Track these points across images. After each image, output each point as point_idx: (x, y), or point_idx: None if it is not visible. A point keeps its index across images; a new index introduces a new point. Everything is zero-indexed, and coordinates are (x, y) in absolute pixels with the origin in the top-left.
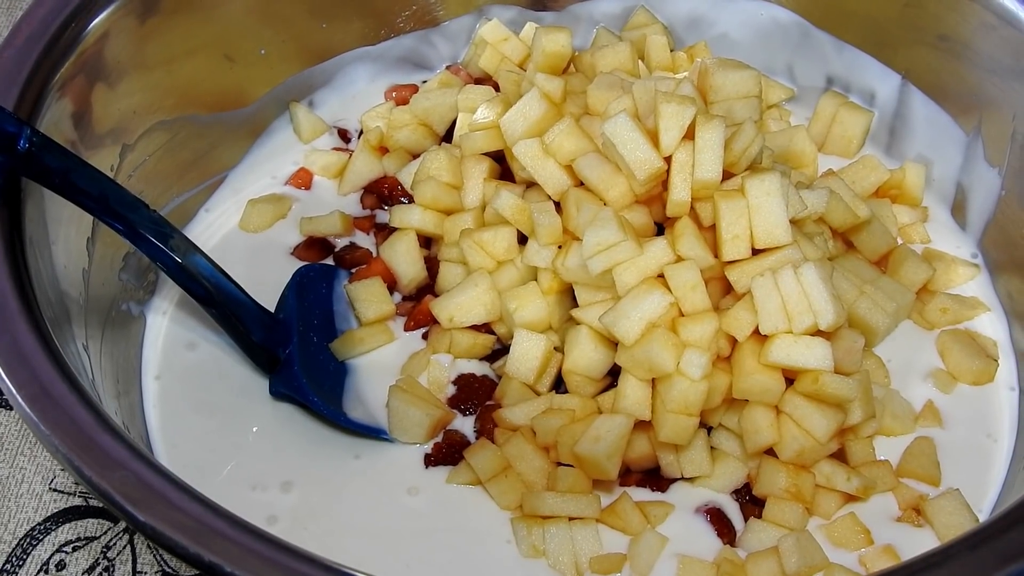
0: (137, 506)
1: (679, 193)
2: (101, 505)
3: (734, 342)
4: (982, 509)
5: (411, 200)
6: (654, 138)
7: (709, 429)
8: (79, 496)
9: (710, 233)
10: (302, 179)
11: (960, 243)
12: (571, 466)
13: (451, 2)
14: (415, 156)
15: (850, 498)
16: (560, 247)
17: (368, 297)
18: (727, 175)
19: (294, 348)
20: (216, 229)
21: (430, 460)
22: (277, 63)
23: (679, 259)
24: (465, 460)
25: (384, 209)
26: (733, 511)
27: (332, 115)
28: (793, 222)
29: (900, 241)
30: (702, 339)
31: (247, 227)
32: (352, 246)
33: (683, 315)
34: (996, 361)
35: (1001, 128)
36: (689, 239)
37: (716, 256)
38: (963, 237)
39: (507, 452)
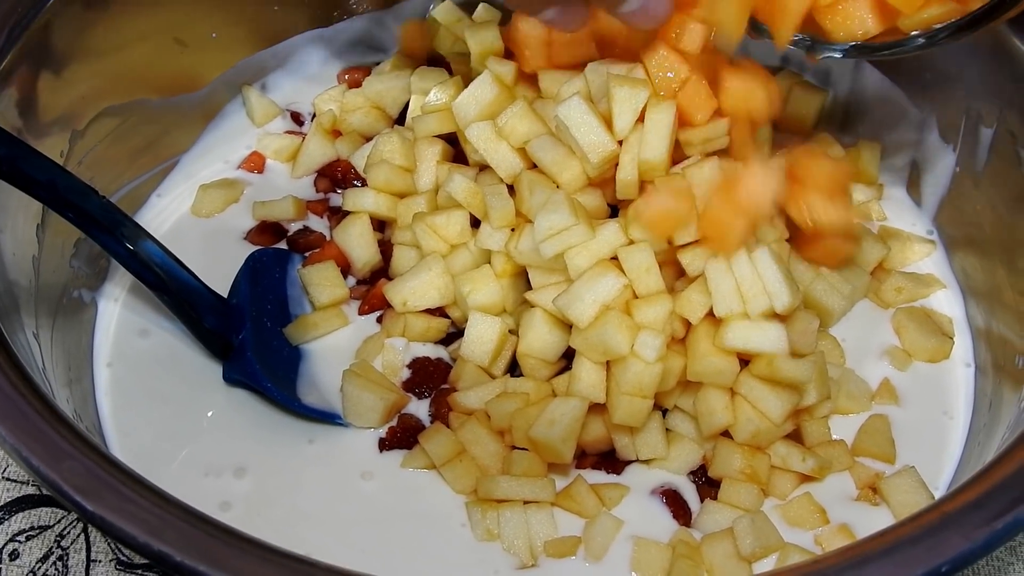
0: (85, 496)
1: (626, 173)
2: None
3: (688, 324)
4: (938, 486)
5: (364, 183)
6: (607, 121)
7: (664, 412)
8: (32, 485)
9: None
10: (255, 163)
11: (916, 220)
12: (526, 450)
13: None
14: (368, 139)
15: (806, 478)
16: (513, 230)
17: (322, 281)
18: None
19: (247, 334)
20: (168, 215)
21: (384, 444)
22: (229, 46)
23: (631, 242)
24: (420, 444)
25: (337, 193)
26: (689, 492)
27: (285, 98)
28: None
29: (856, 220)
30: (656, 321)
31: (199, 212)
32: (305, 230)
33: (637, 297)
34: (951, 339)
35: (955, 105)
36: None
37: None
38: (919, 214)
39: (462, 436)
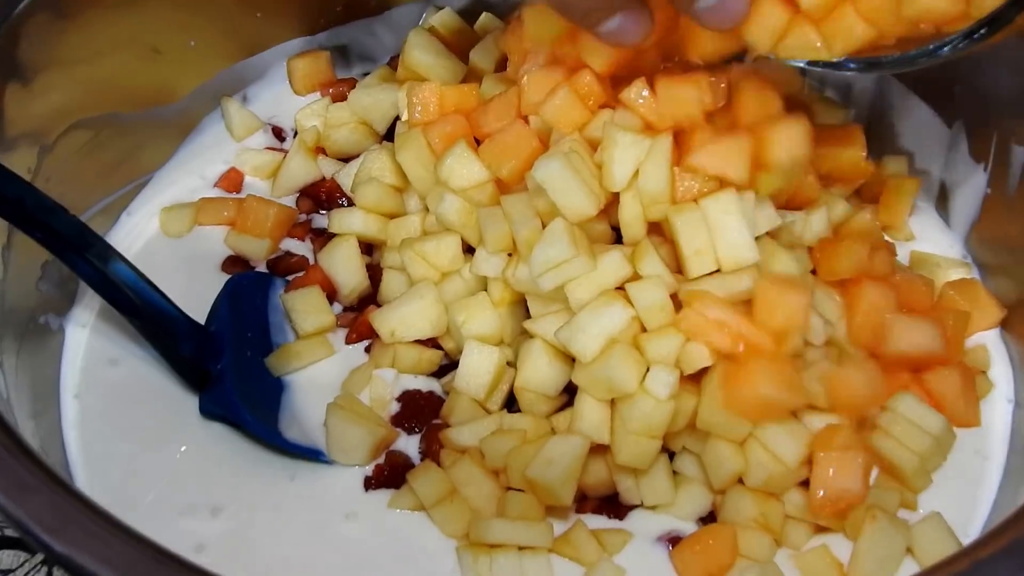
0: (54, 535)
1: (629, 210)
2: (17, 535)
3: None
4: (969, 534)
5: (351, 203)
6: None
7: (671, 455)
8: None
9: (672, 246)
10: (232, 181)
11: (952, 242)
12: (522, 491)
13: None
14: (354, 157)
15: (822, 528)
16: (511, 255)
17: (305, 308)
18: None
19: (226, 363)
20: (139, 234)
21: (370, 483)
22: (208, 55)
23: (636, 275)
24: (408, 484)
25: (321, 214)
26: None
27: (266, 111)
28: (770, 235)
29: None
30: (668, 356)
31: (170, 232)
32: (286, 254)
33: (645, 331)
34: (984, 373)
35: (985, 121)
36: (651, 259)
37: (679, 271)
38: (952, 236)
39: (453, 475)
